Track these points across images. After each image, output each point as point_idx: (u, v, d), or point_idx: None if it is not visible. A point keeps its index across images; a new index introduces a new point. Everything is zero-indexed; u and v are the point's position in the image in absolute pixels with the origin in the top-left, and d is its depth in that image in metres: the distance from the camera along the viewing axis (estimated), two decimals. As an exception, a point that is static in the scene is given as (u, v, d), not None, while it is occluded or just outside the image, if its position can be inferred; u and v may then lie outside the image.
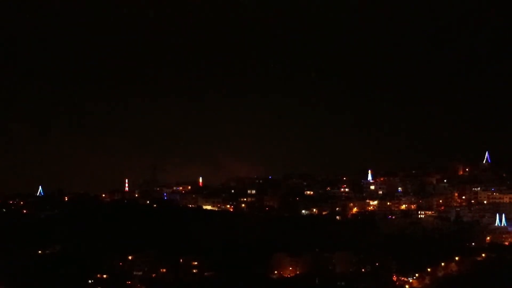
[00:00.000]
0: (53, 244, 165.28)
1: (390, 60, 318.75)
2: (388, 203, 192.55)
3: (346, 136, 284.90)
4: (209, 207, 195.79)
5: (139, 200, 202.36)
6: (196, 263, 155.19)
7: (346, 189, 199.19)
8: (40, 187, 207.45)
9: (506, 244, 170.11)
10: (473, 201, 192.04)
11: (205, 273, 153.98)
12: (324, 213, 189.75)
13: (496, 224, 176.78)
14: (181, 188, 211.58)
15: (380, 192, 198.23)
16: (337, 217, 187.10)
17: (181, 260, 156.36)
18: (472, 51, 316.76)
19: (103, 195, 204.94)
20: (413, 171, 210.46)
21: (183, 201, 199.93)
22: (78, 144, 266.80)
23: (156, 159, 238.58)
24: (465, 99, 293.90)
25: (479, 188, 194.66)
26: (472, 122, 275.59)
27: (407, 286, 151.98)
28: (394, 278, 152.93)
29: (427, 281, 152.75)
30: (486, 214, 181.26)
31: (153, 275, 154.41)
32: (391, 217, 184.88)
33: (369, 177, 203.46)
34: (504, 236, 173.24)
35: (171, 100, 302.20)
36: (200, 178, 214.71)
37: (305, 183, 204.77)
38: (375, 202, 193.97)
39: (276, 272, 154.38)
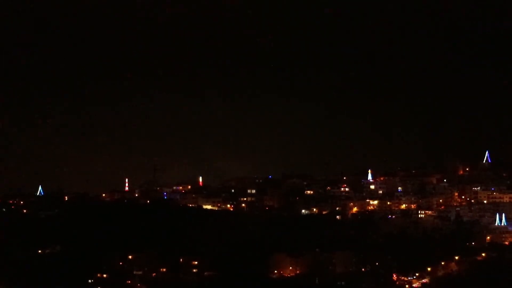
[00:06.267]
0: (53, 243, 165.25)
1: (390, 60, 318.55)
2: (388, 203, 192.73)
3: (346, 136, 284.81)
4: (209, 207, 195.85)
5: (139, 200, 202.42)
6: (196, 262, 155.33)
7: (346, 189, 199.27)
8: (40, 186, 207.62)
9: (506, 244, 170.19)
10: (473, 201, 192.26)
11: (205, 273, 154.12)
12: (324, 212, 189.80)
13: (496, 224, 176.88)
14: (181, 187, 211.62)
15: (380, 192, 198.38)
16: (337, 217, 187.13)
17: (181, 260, 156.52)
18: (472, 51, 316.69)
19: (103, 195, 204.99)
20: (413, 171, 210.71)
21: (183, 201, 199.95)
22: (78, 144, 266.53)
23: (156, 159, 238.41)
24: (466, 99, 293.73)
25: (479, 188, 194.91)
26: (472, 122, 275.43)
27: (407, 286, 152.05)
28: (394, 277, 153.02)
29: (427, 280, 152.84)
30: (486, 214, 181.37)
31: (153, 274, 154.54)
32: (391, 217, 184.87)
33: (369, 177, 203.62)
34: (504, 235, 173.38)
35: (171, 100, 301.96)
36: (200, 177, 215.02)
37: (305, 183, 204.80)
38: (375, 202, 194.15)
39: (276, 272, 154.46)
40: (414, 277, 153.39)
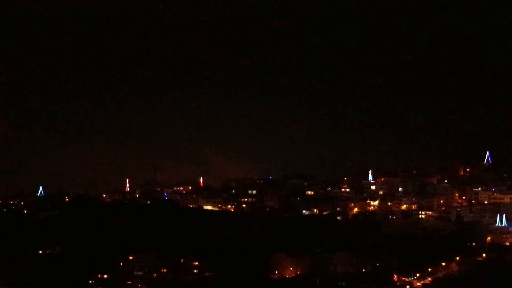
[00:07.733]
0: (53, 244, 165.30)
1: (390, 61, 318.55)
2: (389, 204, 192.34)
3: (346, 136, 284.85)
4: (209, 207, 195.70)
5: (140, 200, 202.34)
6: (196, 263, 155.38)
7: (347, 190, 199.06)
8: (40, 187, 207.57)
9: (506, 244, 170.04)
10: (473, 202, 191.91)
11: (206, 273, 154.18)
12: (324, 213, 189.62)
13: (496, 224, 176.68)
14: (181, 188, 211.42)
15: (381, 193, 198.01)
16: (338, 218, 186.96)
17: (181, 260, 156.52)
18: (472, 51, 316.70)
19: (104, 195, 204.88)
20: (414, 171, 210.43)
21: (183, 201, 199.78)
22: (78, 144, 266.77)
23: (156, 159, 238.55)
24: (466, 99, 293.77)
25: (479, 189, 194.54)
26: (473, 122, 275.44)
27: (408, 286, 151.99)
28: (395, 278, 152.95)
29: (428, 281, 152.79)
30: (487, 214, 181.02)
31: (154, 275, 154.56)
32: (392, 218, 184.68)
33: (370, 178, 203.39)
34: (504, 236, 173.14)
35: (171, 100, 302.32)
36: (201, 178, 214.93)
37: (305, 183, 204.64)
38: (376, 203, 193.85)
39: (276, 272, 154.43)
40: (415, 277, 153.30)
